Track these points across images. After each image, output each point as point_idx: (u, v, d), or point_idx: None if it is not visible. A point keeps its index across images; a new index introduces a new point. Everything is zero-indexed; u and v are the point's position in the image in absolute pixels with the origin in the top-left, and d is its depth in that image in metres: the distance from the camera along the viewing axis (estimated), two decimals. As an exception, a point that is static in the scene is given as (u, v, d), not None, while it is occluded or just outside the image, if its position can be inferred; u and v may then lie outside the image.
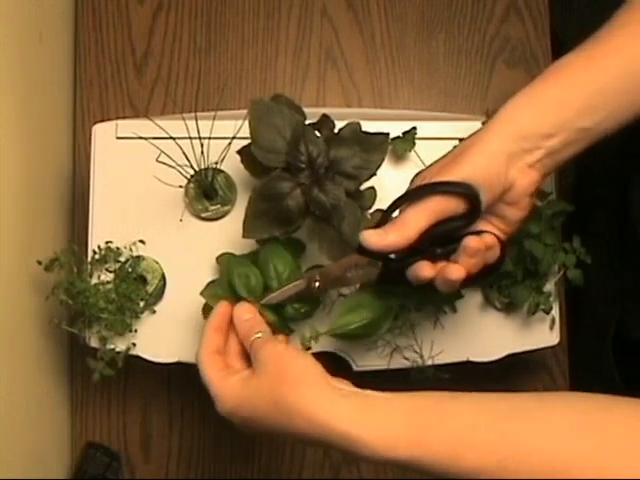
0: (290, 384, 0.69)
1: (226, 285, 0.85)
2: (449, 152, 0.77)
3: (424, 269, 0.74)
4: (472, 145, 0.74)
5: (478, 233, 0.75)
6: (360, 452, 0.65)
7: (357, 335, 0.83)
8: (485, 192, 0.73)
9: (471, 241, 0.74)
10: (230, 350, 0.79)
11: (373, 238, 0.74)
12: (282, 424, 0.69)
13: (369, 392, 0.70)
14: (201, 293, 0.86)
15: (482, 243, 0.74)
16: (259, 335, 0.76)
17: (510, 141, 0.73)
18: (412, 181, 0.78)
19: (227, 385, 0.73)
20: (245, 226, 0.84)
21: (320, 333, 0.81)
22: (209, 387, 0.75)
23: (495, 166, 0.73)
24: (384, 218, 0.77)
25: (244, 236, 0.84)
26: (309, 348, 0.81)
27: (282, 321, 0.83)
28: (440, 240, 0.75)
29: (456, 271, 0.73)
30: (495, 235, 0.76)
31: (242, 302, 0.81)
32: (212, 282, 0.88)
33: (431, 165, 0.78)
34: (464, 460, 0.62)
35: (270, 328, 0.79)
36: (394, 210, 0.77)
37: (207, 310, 0.88)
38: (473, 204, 0.73)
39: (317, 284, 0.80)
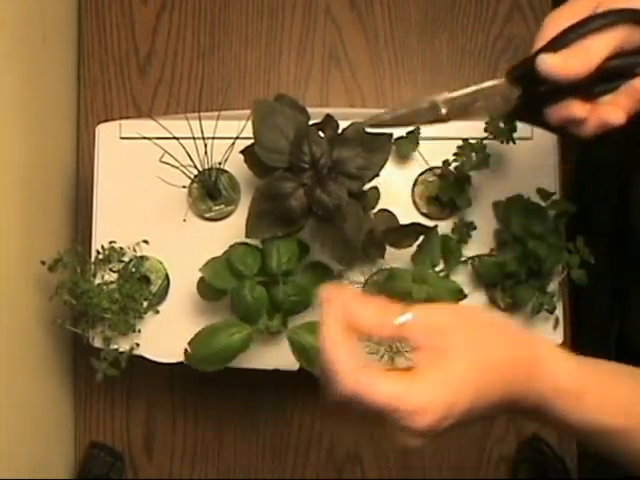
0: (502, 335, 0.57)
1: (224, 261, 0.86)
2: None
3: (576, 108, 0.67)
4: None
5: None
6: (570, 414, 0.58)
7: None
8: None
9: None
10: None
11: (553, 61, 0.65)
12: (517, 389, 0.56)
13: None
14: (200, 269, 0.86)
15: None
16: (407, 317, 0.56)
17: None
18: (565, 11, 0.68)
19: (423, 391, 0.53)
20: (248, 226, 0.84)
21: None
22: (393, 410, 0.53)
23: None
24: (551, 46, 0.67)
25: (247, 236, 0.84)
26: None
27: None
28: (604, 77, 0.66)
29: (616, 114, 0.65)
30: None
31: (349, 294, 0.58)
32: (212, 259, 0.88)
33: None
34: None
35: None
36: (567, 37, 0.66)
37: (201, 286, 0.89)
38: None
39: (443, 110, 0.73)
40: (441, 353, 0.55)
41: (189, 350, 0.85)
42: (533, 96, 0.68)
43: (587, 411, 0.58)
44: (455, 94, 0.71)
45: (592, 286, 0.93)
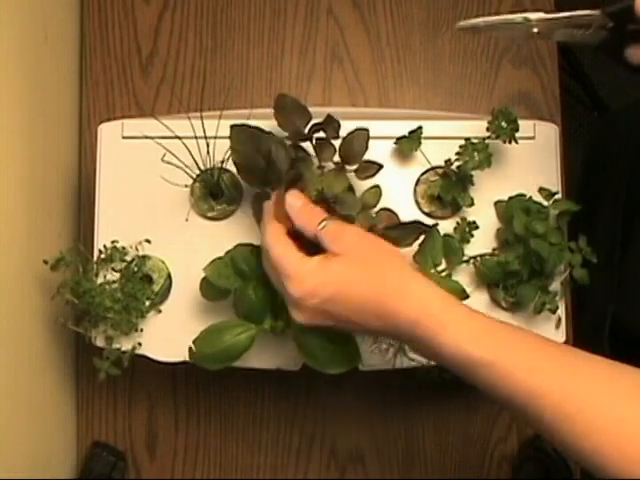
0: (392, 266, 0.69)
1: (228, 261, 0.86)
2: None
3: None
4: None
5: None
6: (442, 342, 0.65)
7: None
8: None
9: None
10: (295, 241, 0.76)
11: None
12: (373, 302, 0.68)
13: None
14: (204, 269, 0.86)
15: None
16: (324, 223, 0.74)
17: None
18: None
19: (308, 266, 0.70)
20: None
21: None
22: (284, 267, 0.71)
23: None
24: None
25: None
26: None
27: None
28: None
29: None
30: None
31: (291, 190, 0.79)
32: (216, 260, 0.88)
33: None
34: (534, 378, 0.62)
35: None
36: None
37: (204, 286, 0.89)
38: None
39: (535, 29, 0.76)
40: (336, 254, 0.70)
41: (193, 348, 0.85)
42: (622, 33, 0.71)
43: (451, 339, 0.65)
44: (550, 16, 0.74)
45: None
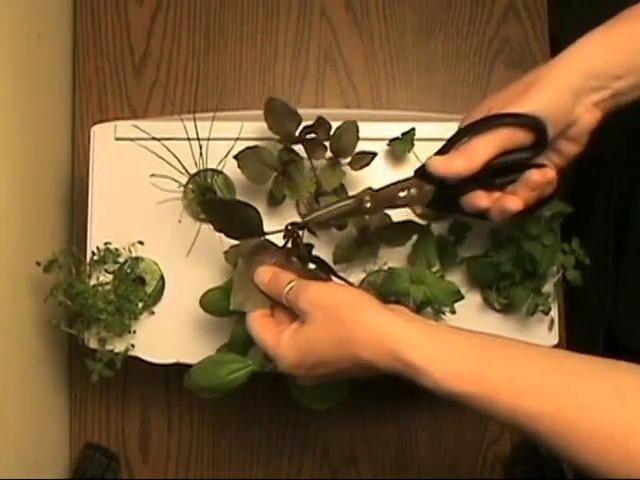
0: (349, 316, 0.69)
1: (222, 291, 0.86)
2: (513, 84, 0.77)
3: (480, 199, 0.76)
4: (541, 79, 0.74)
5: (536, 166, 0.76)
6: (423, 382, 0.64)
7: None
8: (551, 126, 0.73)
9: (535, 175, 0.75)
10: (276, 310, 0.78)
11: (439, 163, 0.75)
12: (348, 359, 0.69)
13: (433, 322, 0.70)
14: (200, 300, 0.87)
15: (544, 177, 0.76)
16: (289, 287, 0.75)
17: (580, 78, 0.73)
18: (470, 115, 0.78)
19: (282, 343, 0.73)
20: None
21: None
22: (266, 350, 0.75)
23: (563, 101, 0.73)
24: (447, 147, 0.77)
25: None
26: None
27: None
28: (499, 171, 0.76)
29: (514, 202, 0.75)
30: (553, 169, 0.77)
31: (259, 268, 0.79)
32: (213, 289, 0.88)
33: (493, 96, 0.78)
34: (524, 402, 0.61)
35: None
36: (459, 139, 0.76)
37: (204, 301, 0.89)
38: (540, 137, 0.74)
39: (368, 204, 0.80)
40: (305, 320, 0.72)
41: (190, 377, 0.83)
42: (445, 189, 0.77)
43: (429, 381, 0.64)
44: (376, 189, 0.81)
45: (582, 287, 0.93)
